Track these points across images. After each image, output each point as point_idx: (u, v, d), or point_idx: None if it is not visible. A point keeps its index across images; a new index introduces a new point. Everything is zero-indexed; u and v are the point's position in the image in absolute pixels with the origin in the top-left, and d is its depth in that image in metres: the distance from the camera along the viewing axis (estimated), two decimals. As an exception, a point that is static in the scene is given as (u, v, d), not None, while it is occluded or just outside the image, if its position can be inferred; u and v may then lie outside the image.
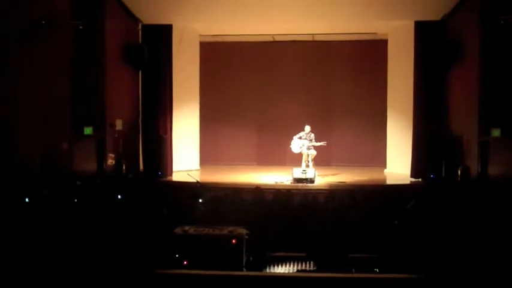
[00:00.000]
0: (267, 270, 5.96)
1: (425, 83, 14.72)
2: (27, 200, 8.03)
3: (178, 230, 6.08)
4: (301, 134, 15.00)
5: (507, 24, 10.61)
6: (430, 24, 14.58)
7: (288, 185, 13.41)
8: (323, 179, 14.61)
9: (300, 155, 15.00)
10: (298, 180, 13.62)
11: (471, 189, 11.18)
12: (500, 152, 11.43)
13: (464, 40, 13.32)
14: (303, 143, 14.89)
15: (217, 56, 18.59)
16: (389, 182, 15.26)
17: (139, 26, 15.29)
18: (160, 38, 15.29)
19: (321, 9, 14.13)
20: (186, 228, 6.10)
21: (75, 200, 8.61)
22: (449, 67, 14.16)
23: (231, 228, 6.07)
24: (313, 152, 14.94)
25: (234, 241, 5.90)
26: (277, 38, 18.19)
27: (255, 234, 6.29)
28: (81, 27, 11.50)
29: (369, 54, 18.09)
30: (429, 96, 14.72)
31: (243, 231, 6.03)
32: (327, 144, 14.95)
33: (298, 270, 5.90)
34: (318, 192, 12.05)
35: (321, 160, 15.74)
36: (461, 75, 13.66)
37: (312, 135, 15.00)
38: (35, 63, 10.30)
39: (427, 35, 14.57)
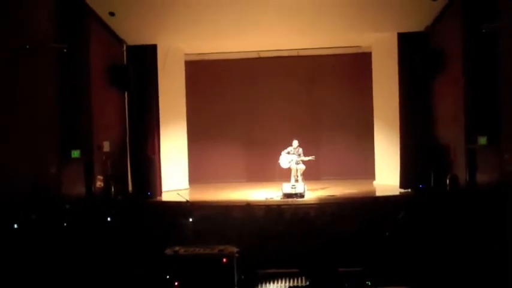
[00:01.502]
0: (259, 288, 5.95)
1: (411, 94, 14.81)
2: (16, 226, 7.97)
3: (168, 251, 6.06)
4: (290, 149, 15.02)
5: (489, 33, 10.69)
6: (412, 35, 14.68)
7: (278, 201, 13.36)
8: (313, 193, 14.59)
9: (289, 170, 15.00)
10: (288, 196, 13.58)
11: (460, 198, 11.22)
12: (488, 160, 11.47)
13: (448, 50, 13.41)
14: (291, 158, 14.90)
15: (203, 74, 18.61)
16: (378, 193, 15.26)
17: (124, 47, 15.29)
18: (145, 58, 15.27)
19: (305, 25, 14.19)
20: (177, 248, 6.09)
21: (65, 224, 8.57)
22: (434, 77, 14.24)
23: (221, 247, 6.06)
24: (302, 167, 14.95)
25: (225, 260, 5.89)
26: (263, 55, 18.24)
27: (246, 252, 6.27)
28: (65, 50, 11.48)
29: (354, 67, 18.21)
30: (415, 106, 14.80)
31: (234, 249, 6.02)
32: (315, 158, 14.96)
33: (290, 287, 5.89)
34: (308, 206, 12.03)
35: (310, 174, 15.76)
36: (446, 85, 13.75)
37: (300, 149, 15.02)
38: (19, 88, 10.26)
39: (410, 46, 14.67)
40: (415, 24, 14.37)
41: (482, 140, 11.38)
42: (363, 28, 14.76)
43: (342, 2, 13.19)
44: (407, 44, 14.77)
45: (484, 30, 10.73)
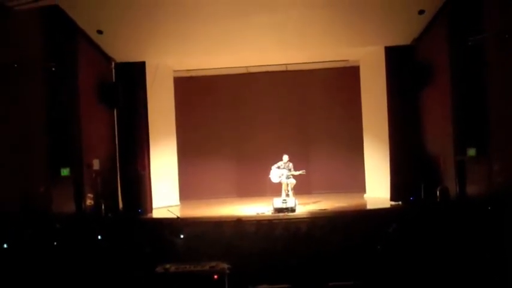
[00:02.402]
0: (251, 304, 5.92)
1: (399, 106, 14.87)
2: (6, 245, 7.93)
3: (159, 269, 6.04)
4: (280, 163, 15.01)
5: (475, 45, 10.79)
6: (400, 48, 14.78)
7: (269, 216, 13.35)
8: (304, 207, 14.59)
9: (280, 184, 14.98)
10: (279, 210, 13.56)
11: (450, 210, 11.25)
12: (478, 171, 11.53)
13: (435, 62, 13.52)
14: (282, 172, 14.88)
15: (192, 91, 18.60)
16: (369, 206, 15.27)
17: (113, 65, 15.29)
18: (134, 76, 15.27)
19: (293, 40, 14.24)
20: (167, 266, 6.07)
21: (55, 244, 8.52)
22: (422, 89, 14.33)
23: (212, 264, 6.04)
24: (293, 181, 14.94)
25: (215, 276, 5.87)
26: (251, 70, 18.26)
27: (237, 268, 6.25)
28: (53, 68, 11.48)
29: (342, 81, 18.24)
30: (404, 118, 14.86)
31: (225, 265, 6.01)
32: (305, 172, 14.95)
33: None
34: (300, 221, 12.02)
35: (301, 189, 15.72)
36: (434, 97, 13.84)
37: (291, 164, 15.01)
38: (8, 106, 10.25)
39: (397, 60, 14.77)
40: (402, 37, 14.47)
41: (471, 152, 11.44)
42: (351, 42, 14.83)
43: (330, 16, 13.27)
44: (395, 57, 14.86)
45: (470, 43, 10.83)
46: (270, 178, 15.03)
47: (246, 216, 12.75)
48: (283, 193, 14.85)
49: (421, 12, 13.00)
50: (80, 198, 12.66)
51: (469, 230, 7.82)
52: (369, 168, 16.95)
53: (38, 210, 10.68)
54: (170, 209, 14.06)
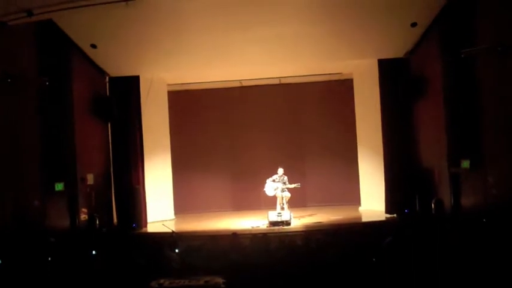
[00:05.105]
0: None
1: (393, 119, 14.91)
2: (0, 261, 7.89)
3: (154, 284, 6.01)
4: (275, 177, 15.02)
5: (468, 57, 10.83)
6: (393, 61, 14.83)
7: (264, 229, 13.33)
8: (299, 220, 14.58)
9: (275, 198, 14.98)
10: (274, 224, 13.55)
11: (445, 222, 11.25)
12: (472, 183, 11.53)
13: (428, 75, 13.55)
14: (276, 185, 14.89)
15: (187, 104, 18.62)
16: (364, 219, 15.23)
17: (107, 79, 15.29)
18: (128, 90, 15.26)
19: (286, 53, 14.30)
20: (162, 281, 6.04)
21: (49, 258, 8.48)
22: (416, 102, 14.36)
23: (207, 278, 6.02)
24: (288, 194, 14.94)
25: (211, 291, 5.85)
26: (245, 83, 18.30)
27: (233, 282, 6.23)
28: (47, 83, 11.46)
29: (336, 94, 18.30)
30: (398, 131, 14.88)
31: (220, 280, 5.98)
32: (300, 185, 14.96)
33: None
34: (295, 234, 12.01)
35: (296, 202, 15.74)
36: (427, 109, 13.85)
37: (285, 177, 15.03)
38: (1, 121, 10.23)
39: (391, 72, 14.81)
40: (395, 50, 14.53)
41: (466, 164, 11.42)
42: (344, 55, 14.88)
43: (323, 30, 13.30)
44: (388, 70, 14.91)
45: (462, 56, 10.86)
46: (264, 191, 15.03)
47: (241, 230, 12.73)
48: (278, 206, 14.85)
49: (413, 24, 13.05)
50: (74, 212, 12.61)
51: (464, 242, 7.82)
52: (364, 180, 16.96)
53: (32, 225, 10.64)
54: (165, 223, 14.02)
